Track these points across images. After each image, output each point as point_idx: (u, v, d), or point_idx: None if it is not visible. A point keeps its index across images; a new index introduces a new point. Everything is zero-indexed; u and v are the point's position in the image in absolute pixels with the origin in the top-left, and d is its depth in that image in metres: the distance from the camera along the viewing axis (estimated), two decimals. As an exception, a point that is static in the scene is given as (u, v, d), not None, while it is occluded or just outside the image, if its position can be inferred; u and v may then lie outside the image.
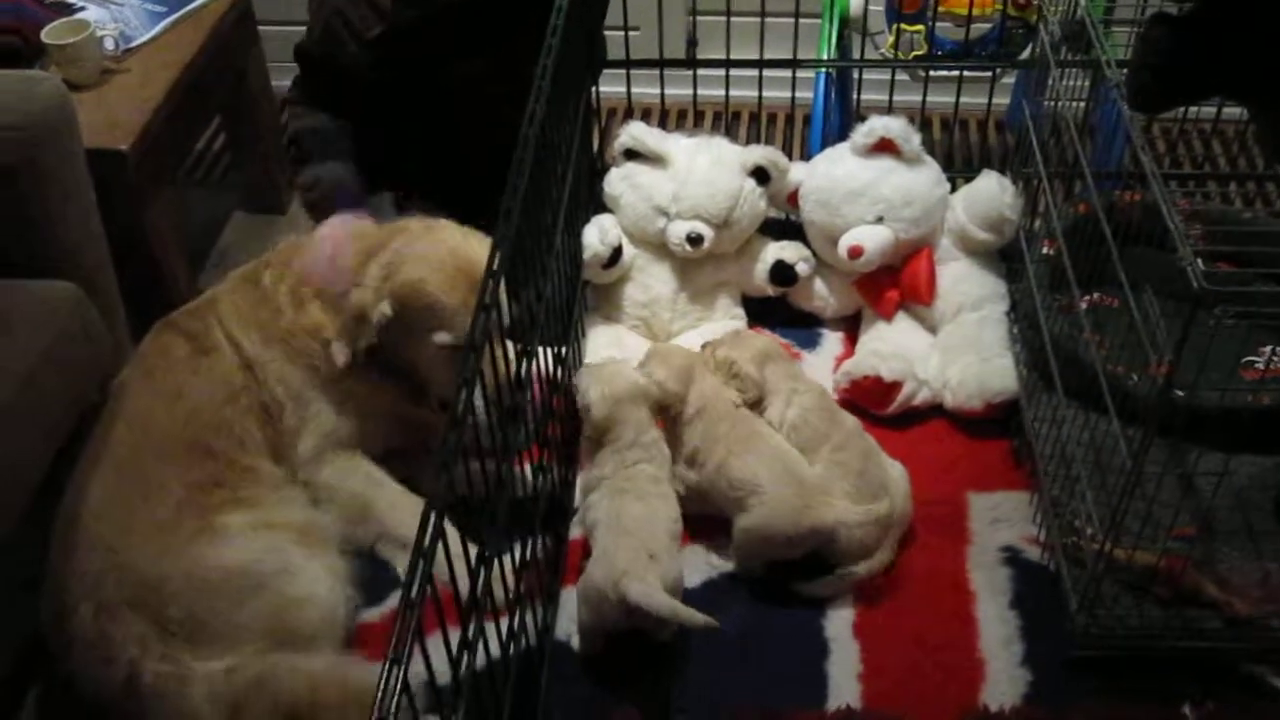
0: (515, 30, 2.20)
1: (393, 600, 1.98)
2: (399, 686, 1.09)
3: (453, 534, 1.28)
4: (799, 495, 1.91)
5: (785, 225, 2.50)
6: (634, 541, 1.81)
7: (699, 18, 2.57)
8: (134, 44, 2.47)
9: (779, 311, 2.46)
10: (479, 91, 2.32)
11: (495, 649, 1.52)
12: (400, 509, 2.01)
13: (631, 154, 2.39)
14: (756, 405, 2.08)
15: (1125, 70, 1.77)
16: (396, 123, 2.35)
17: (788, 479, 1.92)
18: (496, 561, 1.50)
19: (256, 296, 2.05)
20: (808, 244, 2.42)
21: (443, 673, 1.28)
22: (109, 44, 2.43)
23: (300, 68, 2.35)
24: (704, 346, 2.19)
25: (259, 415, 2.01)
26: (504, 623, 1.59)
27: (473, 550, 1.41)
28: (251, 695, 1.71)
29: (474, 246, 1.95)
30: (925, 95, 2.66)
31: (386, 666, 1.09)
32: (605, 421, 1.99)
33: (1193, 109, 2.81)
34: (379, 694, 1.08)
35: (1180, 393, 1.53)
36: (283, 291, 2.05)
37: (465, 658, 1.35)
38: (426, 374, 2.01)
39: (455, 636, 1.33)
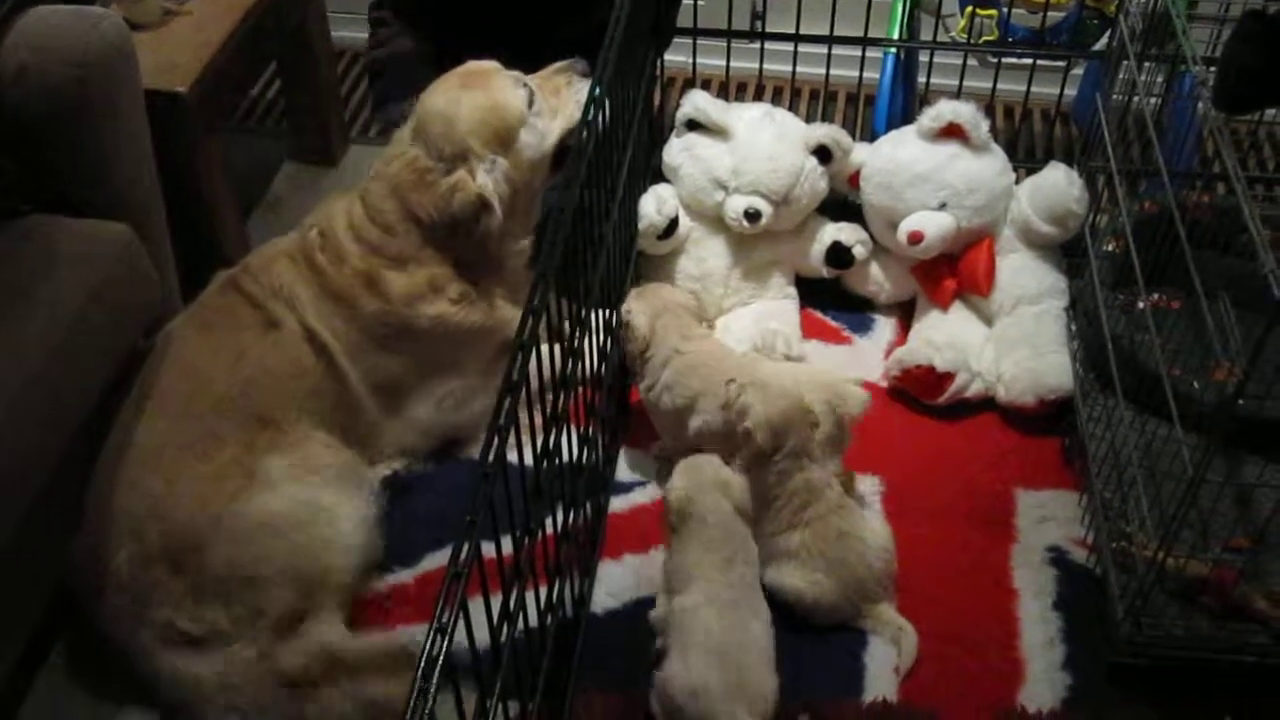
0: None
1: (427, 562, 1.98)
2: (442, 655, 1.07)
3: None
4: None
5: (844, 206, 2.46)
6: (725, 664, 1.68)
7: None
8: (196, -14, 2.44)
9: (832, 294, 2.43)
10: (544, 28, 2.30)
11: (533, 620, 1.50)
12: None
13: (693, 124, 2.35)
14: (642, 355, 2.06)
15: (1211, 68, 1.72)
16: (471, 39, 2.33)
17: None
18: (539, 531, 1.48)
19: (324, 284, 2.01)
20: (866, 227, 2.38)
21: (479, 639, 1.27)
22: (171, -16, 2.41)
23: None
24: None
25: (328, 398, 2.00)
26: (542, 594, 1.57)
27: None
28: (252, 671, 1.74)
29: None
30: (996, 82, 2.60)
31: (430, 635, 1.07)
32: (644, 337, 2.05)
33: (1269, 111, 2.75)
34: (420, 661, 1.06)
35: (1242, 402, 1.49)
36: (348, 275, 2.01)
37: (505, 628, 1.33)
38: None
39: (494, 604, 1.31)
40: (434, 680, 1.05)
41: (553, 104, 2.12)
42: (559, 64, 2.16)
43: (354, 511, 1.89)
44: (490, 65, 2.11)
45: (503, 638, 1.31)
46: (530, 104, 2.07)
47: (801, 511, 1.85)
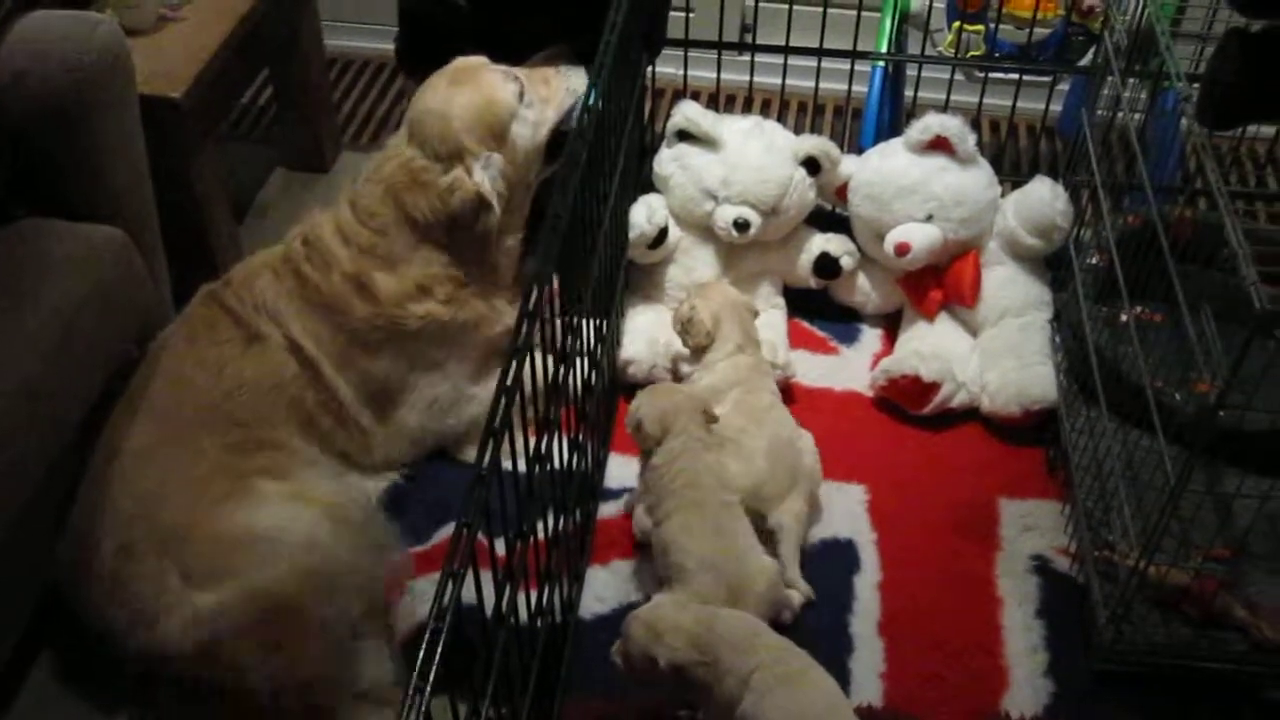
0: None
1: (437, 538, 2.00)
2: (451, 600, 1.10)
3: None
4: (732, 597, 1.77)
5: (832, 217, 2.48)
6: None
7: (759, 3, 2.57)
8: (191, -7, 2.46)
9: (819, 304, 2.45)
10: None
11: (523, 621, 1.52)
12: None
13: (684, 135, 2.38)
14: (703, 351, 2.15)
15: (1194, 84, 1.75)
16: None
17: (723, 584, 1.78)
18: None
19: (309, 295, 2.01)
20: (854, 238, 2.40)
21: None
22: (167, -9, 2.42)
23: (401, 27, 2.41)
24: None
25: (310, 408, 2.00)
26: (533, 596, 1.59)
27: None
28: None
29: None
30: (982, 96, 2.63)
31: (428, 634, 1.10)
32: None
33: (1249, 128, 2.78)
34: (420, 657, 1.08)
35: (1223, 414, 1.51)
36: (337, 282, 2.01)
37: (499, 628, 1.35)
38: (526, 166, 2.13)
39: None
40: (446, 621, 1.09)
41: (543, 93, 2.13)
42: (546, 52, 2.18)
43: (347, 549, 1.87)
44: (478, 61, 2.12)
45: (498, 634, 1.33)
46: (521, 96, 2.09)
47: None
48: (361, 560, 1.88)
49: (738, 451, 1.96)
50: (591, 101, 1.75)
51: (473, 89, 2.06)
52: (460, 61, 2.12)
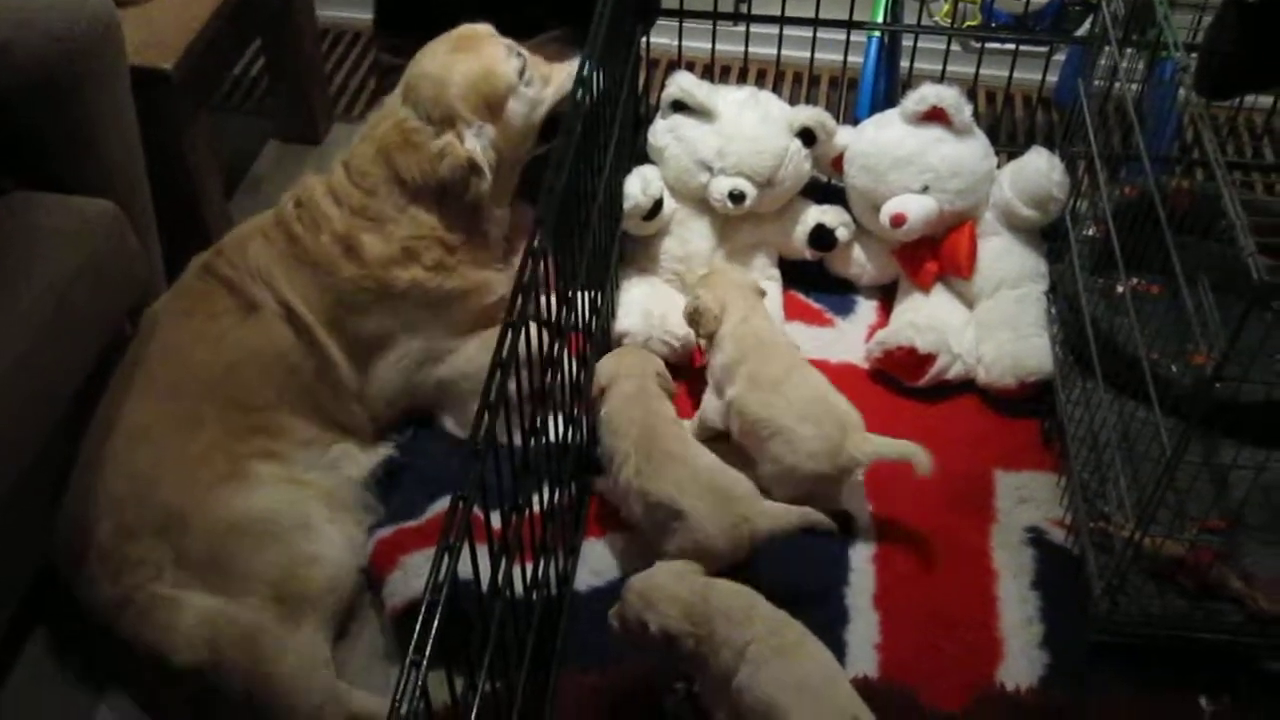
0: None
1: (431, 511, 1.99)
2: (435, 626, 1.09)
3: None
4: (726, 509, 1.81)
5: (828, 189, 2.47)
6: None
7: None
8: (181, -38, 2.43)
9: (815, 276, 2.44)
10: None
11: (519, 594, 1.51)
12: None
13: (678, 106, 2.36)
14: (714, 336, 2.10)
15: (1192, 54, 1.74)
16: None
17: (710, 495, 1.82)
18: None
19: (299, 254, 2.01)
20: (849, 209, 2.40)
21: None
22: (156, -39, 2.40)
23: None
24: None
25: (309, 375, 2.00)
26: (528, 569, 1.59)
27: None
28: (235, 648, 1.72)
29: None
30: (979, 67, 2.62)
31: (424, 607, 1.09)
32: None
33: (1247, 98, 2.77)
34: (417, 630, 1.08)
35: (1220, 385, 1.51)
36: (325, 242, 2.01)
37: (495, 601, 1.34)
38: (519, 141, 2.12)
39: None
40: (442, 594, 1.09)
41: (544, 73, 2.13)
42: (550, 33, 2.19)
43: (339, 534, 1.89)
44: (483, 29, 2.11)
45: (494, 607, 1.33)
46: (522, 73, 2.08)
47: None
48: (350, 547, 1.90)
49: (783, 436, 1.95)
50: (586, 72, 1.74)
51: (474, 57, 2.05)
52: (466, 28, 2.11)
